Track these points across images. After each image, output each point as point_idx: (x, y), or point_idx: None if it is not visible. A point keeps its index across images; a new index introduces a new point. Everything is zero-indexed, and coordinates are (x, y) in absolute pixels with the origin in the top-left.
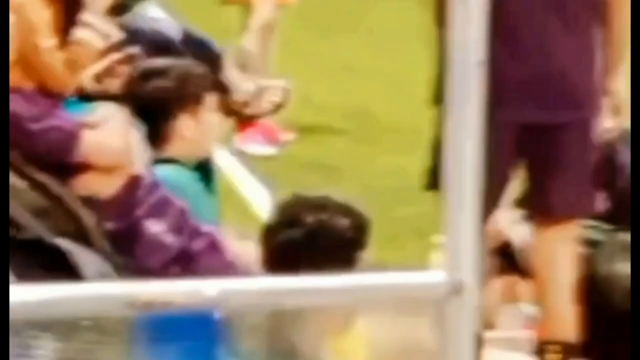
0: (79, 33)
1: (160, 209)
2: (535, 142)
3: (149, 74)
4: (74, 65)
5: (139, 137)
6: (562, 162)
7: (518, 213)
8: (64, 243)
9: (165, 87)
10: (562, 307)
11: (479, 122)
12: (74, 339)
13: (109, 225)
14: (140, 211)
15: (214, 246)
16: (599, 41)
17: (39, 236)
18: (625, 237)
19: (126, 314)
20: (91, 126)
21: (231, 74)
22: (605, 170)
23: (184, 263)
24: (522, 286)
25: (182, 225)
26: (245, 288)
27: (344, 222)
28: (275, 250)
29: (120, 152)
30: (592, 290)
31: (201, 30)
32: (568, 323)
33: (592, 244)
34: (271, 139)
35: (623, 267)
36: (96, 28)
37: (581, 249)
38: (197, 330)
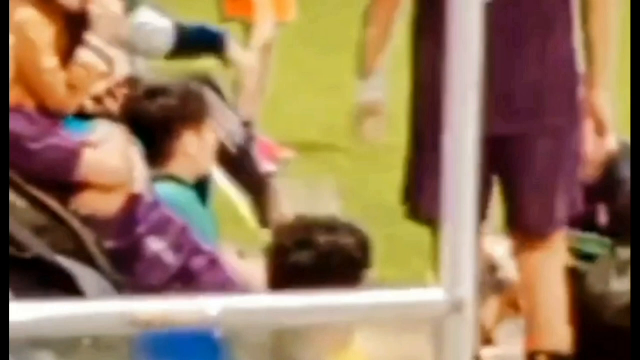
0: (83, 56)
1: (160, 227)
2: (505, 156)
3: (152, 93)
4: (75, 88)
5: (139, 156)
6: (531, 175)
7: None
8: (65, 261)
9: (170, 105)
10: (550, 318)
11: (477, 143)
12: (75, 357)
13: (110, 243)
14: (140, 229)
15: (214, 264)
16: (574, 52)
17: (39, 254)
18: (622, 254)
19: (127, 332)
20: (91, 145)
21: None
22: (605, 185)
23: (184, 281)
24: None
25: (183, 243)
26: (246, 307)
27: (351, 241)
28: (286, 272)
29: (120, 170)
30: (585, 308)
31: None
32: (558, 334)
33: (588, 257)
34: (270, 157)
35: (617, 286)
36: (100, 52)
37: (575, 262)
38: (197, 348)
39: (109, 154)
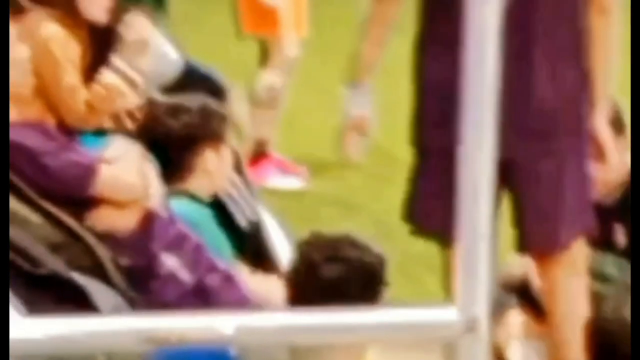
0: (106, 77)
1: (175, 244)
2: (512, 177)
3: (173, 110)
4: (95, 107)
5: (155, 172)
6: (536, 196)
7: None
8: (80, 278)
9: (192, 122)
10: (566, 339)
11: (493, 160)
12: None
13: (125, 260)
14: (155, 246)
15: (229, 281)
16: (581, 76)
17: (54, 271)
18: None
19: (141, 349)
20: (107, 161)
21: (238, 108)
22: (623, 205)
23: (199, 298)
24: (536, 322)
25: (198, 260)
26: (261, 324)
27: (373, 257)
28: (315, 286)
29: (136, 186)
30: (600, 332)
31: (207, 65)
32: (572, 355)
33: (605, 278)
34: (288, 173)
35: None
36: (124, 75)
37: (592, 283)
38: None
39: (125, 169)
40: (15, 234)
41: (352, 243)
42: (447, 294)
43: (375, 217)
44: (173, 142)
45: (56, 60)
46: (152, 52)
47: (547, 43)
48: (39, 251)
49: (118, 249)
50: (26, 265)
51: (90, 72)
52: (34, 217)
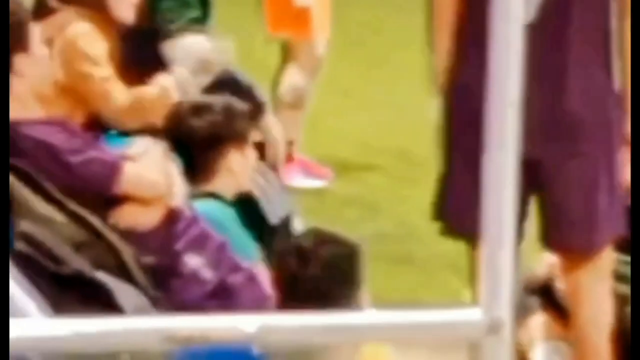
0: (162, 80)
1: (198, 243)
2: (541, 178)
3: (198, 110)
4: (142, 108)
5: (178, 171)
6: (566, 198)
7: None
8: (103, 277)
9: (217, 122)
10: (593, 341)
11: (516, 162)
12: None
13: (148, 259)
14: (178, 245)
15: (251, 281)
16: (609, 81)
17: (78, 270)
18: None
19: (164, 348)
20: (131, 158)
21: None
22: None
23: (221, 298)
24: (558, 324)
25: (221, 259)
26: (283, 324)
27: (347, 250)
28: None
29: (159, 184)
30: (623, 335)
31: (245, 74)
32: (598, 357)
33: (629, 280)
34: (312, 174)
35: None
36: (180, 82)
37: (616, 285)
38: None
39: (148, 167)
40: (40, 233)
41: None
42: (472, 295)
43: (398, 218)
44: (197, 142)
45: (86, 56)
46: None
47: (578, 48)
48: (63, 251)
49: (141, 248)
50: (51, 265)
51: (122, 70)
52: (59, 217)
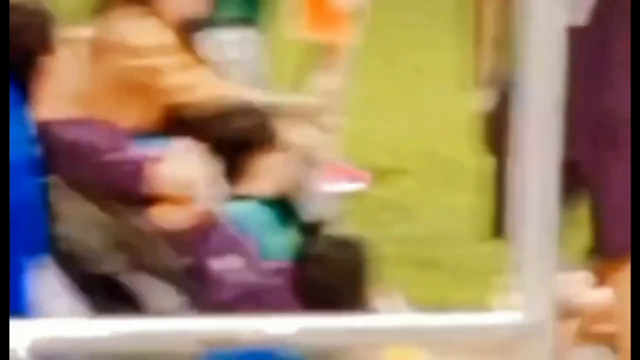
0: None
1: (230, 245)
2: (586, 181)
3: (235, 112)
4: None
5: (212, 172)
6: (611, 199)
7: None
8: (135, 278)
9: (254, 124)
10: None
11: (558, 165)
12: None
13: (181, 260)
14: (210, 247)
15: (280, 284)
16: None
17: (111, 271)
18: None
19: (196, 350)
20: (164, 158)
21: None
22: None
23: (251, 300)
24: (597, 328)
25: (253, 261)
26: (311, 327)
27: (356, 253)
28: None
29: (193, 184)
30: None
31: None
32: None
33: None
34: (346, 177)
35: None
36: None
37: None
38: None
39: (182, 168)
40: (76, 233)
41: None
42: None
43: (429, 220)
44: (235, 143)
45: (147, 50)
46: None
47: (622, 51)
48: (97, 251)
49: (173, 249)
50: (85, 265)
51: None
52: (94, 217)
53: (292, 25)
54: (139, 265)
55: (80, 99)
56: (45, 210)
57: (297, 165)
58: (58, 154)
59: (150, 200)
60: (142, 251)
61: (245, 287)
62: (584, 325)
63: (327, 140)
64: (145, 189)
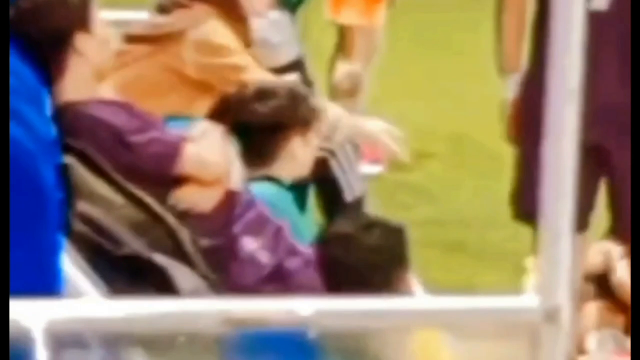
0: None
1: (256, 226)
2: (608, 164)
3: (262, 94)
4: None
5: (236, 154)
6: (626, 183)
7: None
8: (160, 259)
9: (281, 107)
10: None
11: (575, 149)
12: (167, 354)
13: (205, 241)
14: (236, 228)
15: (309, 265)
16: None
17: (135, 251)
18: None
19: (220, 330)
20: (191, 140)
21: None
22: None
23: (278, 281)
24: (615, 312)
25: (278, 243)
26: (339, 308)
27: (389, 238)
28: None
29: (219, 166)
30: None
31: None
32: None
33: None
34: (375, 159)
35: None
36: None
37: None
38: (290, 349)
39: (208, 149)
40: (98, 213)
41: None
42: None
43: (455, 204)
44: (260, 126)
45: (228, 49)
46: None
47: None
48: (121, 231)
49: (198, 230)
50: (108, 246)
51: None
52: (117, 197)
53: (324, 8)
54: (160, 246)
55: (122, 84)
56: (67, 191)
57: (325, 148)
58: (82, 133)
59: (177, 181)
60: (163, 233)
61: (272, 268)
62: (602, 309)
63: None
64: (171, 171)
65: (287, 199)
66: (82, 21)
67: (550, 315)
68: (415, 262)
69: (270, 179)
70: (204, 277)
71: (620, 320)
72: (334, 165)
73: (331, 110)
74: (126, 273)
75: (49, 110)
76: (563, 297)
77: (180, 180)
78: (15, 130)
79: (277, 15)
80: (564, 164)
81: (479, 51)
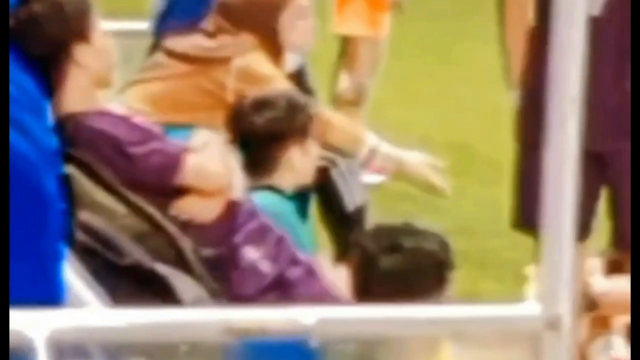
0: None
1: (258, 236)
2: (609, 172)
3: (259, 105)
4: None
5: (237, 164)
6: (626, 191)
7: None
8: (162, 268)
9: (277, 118)
10: None
11: (576, 158)
12: None
13: (207, 251)
14: (238, 238)
15: (310, 274)
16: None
17: (137, 261)
18: None
19: (222, 340)
20: (192, 151)
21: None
22: None
23: (279, 291)
24: (615, 319)
25: (280, 253)
26: (341, 317)
27: (434, 244)
28: (376, 278)
29: (221, 176)
30: None
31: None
32: None
33: None
34: (378, 170)
35: None
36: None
37: None
38: (292, 358)
39: (210, 159)
40: (100, 223)
41: (411, 231)
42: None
43: (457, 212)
44: (257, 137)
45: (266, 77)
46: None
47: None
48: (123, 241)
49: (200, 240)
50: (110, 255)
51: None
52: (119, 207)
53: (326, 18)
54: (162, 256)
55: (150, 94)
56: (69, 201)
57: (325, 157)
58: (83, 144)
59: (178, 192)
60: (164, 242)
61: (274, 278)
62: (602, 316)
63: (358, 131)
64: (173, 182)
65: (288, 208)
66: (81, 32)
67: (552, 323)
68: None
69: (272, 188)
70: (206, 286)
71: (612, 326)
72: (335, 174)
73: (370, 138)
74: (128, 282)
75: (50, 121)
76: (565, 306)
77: (181, 191)
78: (17, 141)
79: None
80: (565, 172)
81: (481, 60)
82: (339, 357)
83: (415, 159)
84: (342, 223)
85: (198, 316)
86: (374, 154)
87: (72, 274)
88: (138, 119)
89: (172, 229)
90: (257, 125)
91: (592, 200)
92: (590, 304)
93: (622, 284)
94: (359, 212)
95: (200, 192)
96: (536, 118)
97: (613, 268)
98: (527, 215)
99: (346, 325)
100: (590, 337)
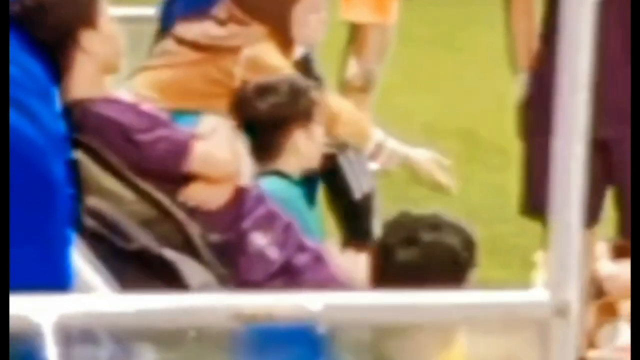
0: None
1: (265, 222)
2: (617, 161)
3: (262, 90)
4: None
5: (245, 149)
6: (623, 179)
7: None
8: (170, 254)
9: (280, 103)
10: None
11: (585, 145)
12: (177, 349)
13: (214, 236)
14: (245, 224)
15: (318, 261)
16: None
17: (145, 246)
18: None
19: (229, 325)
20: (200, 137)
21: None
22: None
23: (287, 277)
24: (622, 306)
25: (287, 239)
26: (348, 303)
27: (456, 240)
28: (391, 269)
29: (228, 162)
30: None
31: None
32: None
33: None
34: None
35: None
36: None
37: None
38: (300, 344)
39: (217, 146)
40: (108, 209)
41: (435, 224)
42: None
43: (464, 199)
44: (261, 123)
45: (274, 67)
46: None
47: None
48: (130, 227)
49: (208, 225)
50: (118, 241)
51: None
52: (127, 193)
53: (337, 6)
54: (170, 242)
55: (158, 80)
56: (76, 187)
57: (334, 143)
58: (91, 130)
59: (186, 178)
60: (172, 228)
61: (282, 264)
62: (609, 303)
63: (365, 126)
64: (180, 169)
65: (295, 194)
66: (87, 18)
67: (560, 310)
68: None
69: (279, 173)
70: (214, 272)
71: (619, 311)
72: (342, 161)
73: (377, 133)
74: (136, 268)
75: (58, 107)
76: (572, 292)
77: (189, 178)
78: (25, 126)
79: None
80: (574, 158)
81: (488, 46)
82: (349, 344)
83: (422, 156)
84: (350, 210)
85: (205, 302)
86: (380, 150)
87: (80, 259)
88: (145, 106)
89: (180, 215)
90: (260, 111)
91: (601, 188)
92: (597, 291)
93: (628, 268)
94: (367, 199)
95: (208, 179)
96: (544, 104)
97: (619, 253)
98: (535, 201)
99: (353, 311)
100: (598, 324)
